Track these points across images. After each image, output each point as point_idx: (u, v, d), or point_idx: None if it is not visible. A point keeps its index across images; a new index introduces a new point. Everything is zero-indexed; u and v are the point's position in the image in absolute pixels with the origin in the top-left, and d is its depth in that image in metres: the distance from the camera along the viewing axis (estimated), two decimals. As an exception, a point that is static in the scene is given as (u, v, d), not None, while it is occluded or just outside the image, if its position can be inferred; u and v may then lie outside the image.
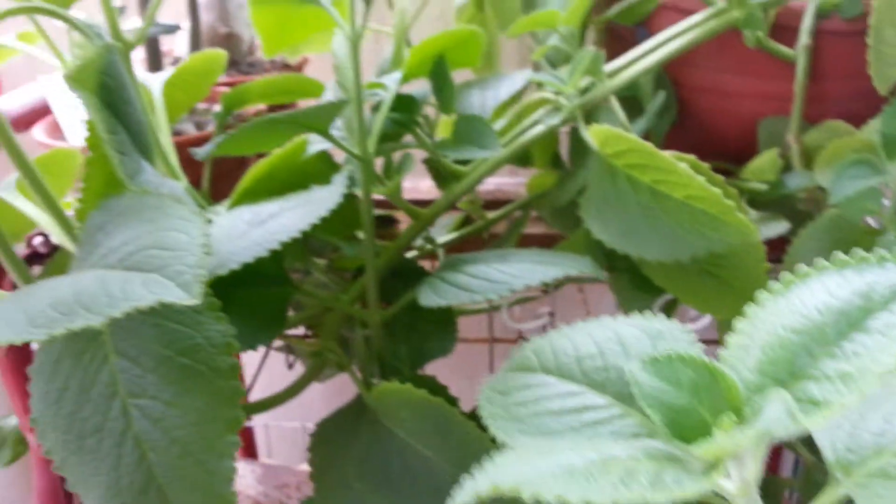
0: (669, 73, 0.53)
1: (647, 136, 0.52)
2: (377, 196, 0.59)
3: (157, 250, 0.25)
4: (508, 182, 0.69)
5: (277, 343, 0.58)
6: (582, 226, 0.41)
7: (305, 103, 0.54)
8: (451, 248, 0.54)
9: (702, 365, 0.21)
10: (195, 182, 0.49)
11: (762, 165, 0.43)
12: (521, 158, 0.53)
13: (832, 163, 0.42)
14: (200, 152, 0.41)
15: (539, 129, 0.43)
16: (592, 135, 0.38)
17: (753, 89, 0.52)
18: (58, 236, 0.36)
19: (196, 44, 0.57)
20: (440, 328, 0.46)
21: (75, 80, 0.27)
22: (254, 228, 0.39)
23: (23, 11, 0.29)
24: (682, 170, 0.34)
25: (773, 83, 0.51)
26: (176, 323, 0.29)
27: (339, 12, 0.37)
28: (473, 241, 0.56)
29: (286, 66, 0.66)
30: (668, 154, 0.36)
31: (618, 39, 0.56)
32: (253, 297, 0.39)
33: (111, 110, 0.30)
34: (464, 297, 0.36)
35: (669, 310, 0.45)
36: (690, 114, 0.55)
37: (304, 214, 0.39)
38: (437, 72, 0.41)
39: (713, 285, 0.40)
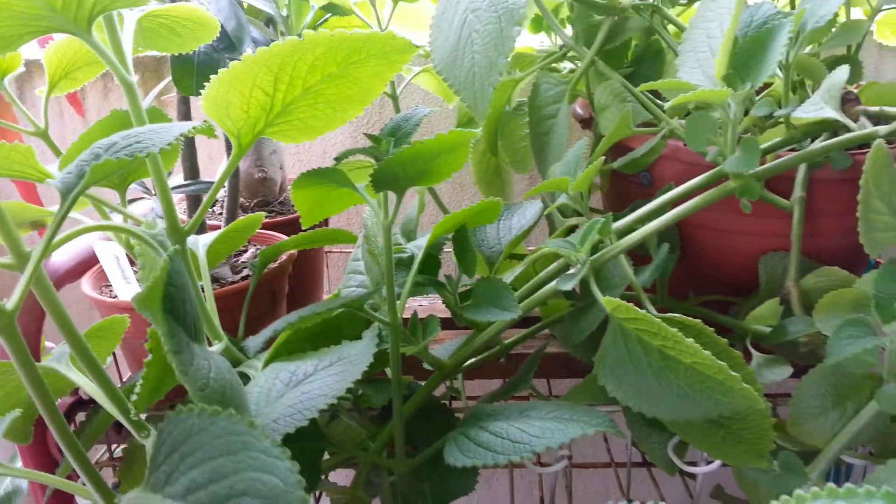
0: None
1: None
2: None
3: (256, 500, 0.26)
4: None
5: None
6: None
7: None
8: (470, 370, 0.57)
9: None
10: (232, 328, 0.53)
11: (765, 312, 0.46)
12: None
13: (831, 311, 0.45)
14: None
15: (551, 288, 0.47)
16: (605, 302, 0.41)
17: (753, 228, 0.55)
18: (106, 405, 0.39)
19: (233, 216, 0.61)
20: (458, 479, 0.48)
21: (144, 303, 0.31)
22: (290, 389, 0.42)
23: (98, 229, 0.33)
24: (688, 343, 0.37)
25: (772, 222, 0.54)
26: None
27: (370, 194, 0.41)
28: (492, 364, 0.59)
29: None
30: (673, 326, 0.39)
31: (622, 179, 0.60)
32: (293, 452, 0.41)
33: (172, 314, 0.33)
34: (488, 459, 0.39)
35: (682, 447, 0.47)
36: (693, 250, 0.58)
37: (339, 378, 0.42)
38: (460, 239, 0.45)
39: (723, 435, 0.42)
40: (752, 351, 0.47)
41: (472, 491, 0.50)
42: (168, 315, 0.33)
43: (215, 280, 0.58)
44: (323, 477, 0.50)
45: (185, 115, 0.55)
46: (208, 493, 0.27)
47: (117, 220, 0.46)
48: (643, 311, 0.39)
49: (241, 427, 0.30)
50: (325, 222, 0.70)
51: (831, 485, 0.24)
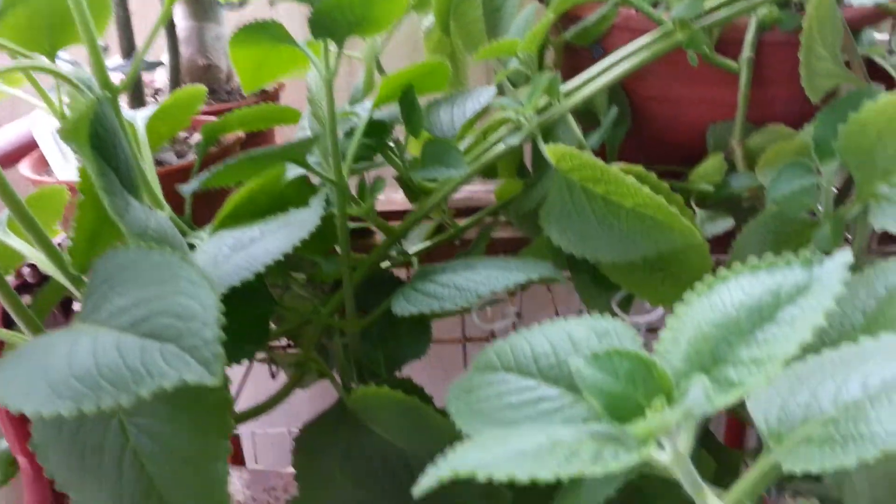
0: (623, 83, 0.57)
1: (603, 145, 0.56)
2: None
3: (172, 318, 0.26)
4: (479, 190, 0.72)
5: (261, 355, 0.61)
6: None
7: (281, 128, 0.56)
8: (425, 255, 0.57)
9: (637, 357, 0.24)
10: (178, 208, 0.52)
11: (708, 169, 0.47)
12: (488, 171, 0.56)
13: (773, 164, 0.45)
14: (186, 189, 0.44)
15: (501, 148, 0.46)
16: (550, 153, 0.41)
17: (701, 97, 0.55)
18: (49, 270, 0.38)
19: (176, 77, 0.60)
20: (414, 332, 0.49)
21: (69, 134, 0.30)
22: (237, 253, 0.42)
23: (20, 69, 0.32)
24: (630, 182, 0.37)
25: (720, 90, 0.54)
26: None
27: (314, 51, 0.40)
28: (446, 249, 0.59)
29: (263, 92, 0.69)
30: (617, 167, 0.39)
31: (575, 55, 0.59)
32: (237, 314, 0.41)
33: (102, 156, 0.32)
34: (434, 306, 0.39)
35: (627, 303, 0.49)
36: (644, 122, 0.58)
37: (284, 238, 0.41)
38: (406, 100, 0.44)
39: (663, 280, 0.43)
40: (696, 209, 0.48)
41: (424, 354, 0.50)
42: (97, 154, 0.32)
43: (159, 164, 0.56)
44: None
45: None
46: (129, 316, 0.27)
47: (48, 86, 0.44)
48: (587, 155, 0.39)
49: (172, 259, 0.30)
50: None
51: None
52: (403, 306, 0.40)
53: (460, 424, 0.29)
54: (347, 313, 0.45)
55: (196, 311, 0.26)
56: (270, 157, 0.39)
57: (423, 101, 0.51)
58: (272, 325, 0.48)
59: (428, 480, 0.21)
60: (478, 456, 0.22)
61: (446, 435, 0.39)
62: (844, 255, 0.21)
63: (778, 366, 0.22)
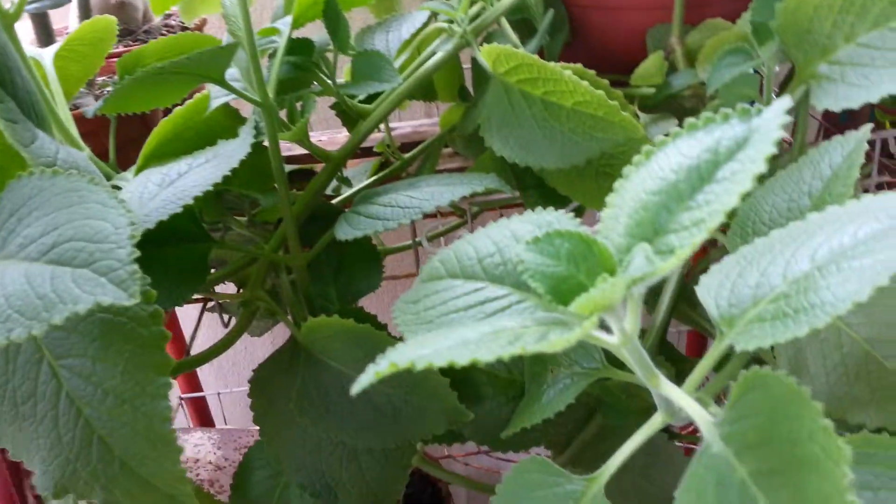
0: (561, -6, 0.55)
1: (541, 56, 0.54)
2: (296, 152, 0.60)
3: (82, 242, 0.24)
4: (425, 123, 0.70)
5: (211, 304, 0.59)
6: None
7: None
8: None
9: (577, 237, 0.23)
10: (102, 154, 0.49)
11: (649, 69, 0.46)
12: (427, 93, 0.54)
13: (712, 58, 0.44)
14: (89, 110, 0.41)
15: (437, 57, 0.44)
16: (485, 55, 0.39)
17: (639, 2, 0.54)
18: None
19: (87, 15, 0.55)
20: (366, 266, 0.48)
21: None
22: (164, 189, 0.39)
23: None
24: (567, 77, 0.36)
25: (658, -6, 0.53)
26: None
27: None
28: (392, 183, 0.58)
29: (184, 30, 0.65)
30: (554, 64, 0.38)
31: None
32: (171, 254, 0.39)
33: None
34: (377, 226, 0.38)
35: (578, 215, 0.48)
36: (583, 31, 0.56)
37: (213, 169, 0.39)
38: (329, 13, 0.41)
39: (609, 185, 0.42)
40: (640, 113, 0.47)
41: (376, 287, 0.49)
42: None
43: (77, 109, 0.53)
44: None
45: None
46: (39, 245, 0.25)
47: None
48: (523, 53, 0.37)
49: (79, 184, 0.28)
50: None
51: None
52: (346, 230, 0.39)
53: (407, 336, 0.28)
54: (291, 247, 0.43)
55: (108, 233, 0.25)
56: (181, 72, 0.37)
57: (356, 24, 0.49)
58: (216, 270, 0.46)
59: (366, 378, 0.20)
60: (418, 350, 0.21)
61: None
62: (784, 101, 0.20)
63: (719, 219, 0.21)
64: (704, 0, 0.53)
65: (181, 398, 0.89)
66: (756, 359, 0.41)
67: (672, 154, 0.22)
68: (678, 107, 0.47)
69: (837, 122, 0.64)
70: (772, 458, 0.19)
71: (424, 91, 0.53)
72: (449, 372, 0.39)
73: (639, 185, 0.23)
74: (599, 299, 0.20)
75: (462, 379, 0.43)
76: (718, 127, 0.22)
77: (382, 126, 0.58)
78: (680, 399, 0.24)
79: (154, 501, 0.29)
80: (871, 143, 0.54)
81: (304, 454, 0.42)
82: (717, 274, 0.28)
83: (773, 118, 0.20)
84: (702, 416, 0.22)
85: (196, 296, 0.49)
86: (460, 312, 0.27)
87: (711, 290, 0.27)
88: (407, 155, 0.58)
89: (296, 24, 0.42)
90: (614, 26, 0.55)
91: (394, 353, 0.20)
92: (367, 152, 0.67)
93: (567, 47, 0.56)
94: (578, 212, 0.49)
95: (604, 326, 0.23)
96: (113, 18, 0.47)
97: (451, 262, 0.30)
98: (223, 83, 0.39)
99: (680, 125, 0.45)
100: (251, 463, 0.45)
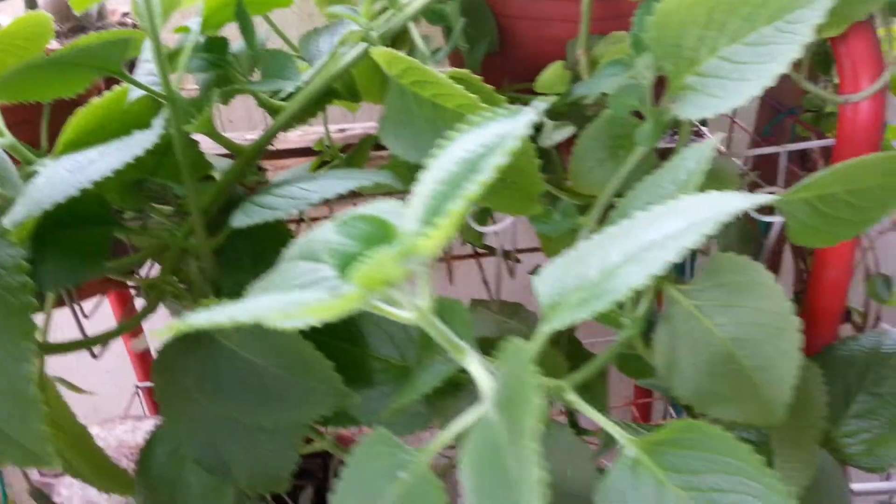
0: (488, 3, 0.57)
1: (460, 63, 0.56)
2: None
3: None
4: (370, 126, 0.73)
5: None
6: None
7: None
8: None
9: (376, 220, 0.25)
10: (34, 141, 0.51)
11: (550, 78, 0.48)
12: (352, 93, 0.56)
13: (612, 69, 0.47)
14: None
15: (346, 59, 0.47)
16: (378, 56, 0.41)
17: (561, 13, 0.56)
18: None
19: (33, 8, 0.58)
20: (279, 253, 0.49)
21: None
22: (74, 175, 0.42)
23: None
24: (445, 80, 0.38)
25: (578, 6, 0.55)
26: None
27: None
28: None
29: (136, 28, 0.67)
30: (442, 71, 0.40)
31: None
32: (74, 237, 0.42)
33: None
34: (267, 215, 0.40)
35: (484, 216, 0.50)
36: (512, 41, 0.59)
37: (118, 156, 0.41)
38: (239, 14, 0.44)
39: (505, 190, 0.44)
40: (545, 120, 0.49)
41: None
42: None
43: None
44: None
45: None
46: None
47: None
48: (409, 58, 0.39)
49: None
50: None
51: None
52: (240, 219, 0.41)
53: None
54: (197, 234, 0.45)
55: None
56: (75, 61, 0.39)
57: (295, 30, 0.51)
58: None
59: (183, 329, 0.22)
60: (234, 310, 0.23)
61: (288, 341, 0.40)
62: (539, 105, 0.22)
63: (463, 206, 0.23)
64: (619, 12, 0.55)
65: (137, 386, 0.92)
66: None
67: (458, 148, 0.24)
68: (580, 115, 0.49)
69: (762, 136, 0.66)
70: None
71: (350, 92, 0.55)
72: (342, 357, 0.42)
73: (436, 172, 0.25)
74: (372, 272, 0.22)
75: (356, 364, 0.45)
76: (497, 123, 0.24)
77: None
78: (477, 371, 0.26)
79: (21, 456, 0.31)
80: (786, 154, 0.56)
81: (201, 431, 0.44)
82: (553, 268, 0.30)
83: (524, 119, 0.22)
84: (485, 382, 0.24)
85: (115, 278, 0.52)
86: (298, 287, 0.29)
87: (546, 283, 0.29)
88: (346, 154, 0.61)
89: (208, 25, 0.44)
90: (540, 36, 0.58)
91: (213, 314, 0.22)
92: (309, 151, 0.70)
93: (496, 56, 0.58)
94: (483, 214, 0.51)
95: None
96: (48, 15, 0.50)
97: (304, 245, 0.32)
98: (121, 74, 0.41)
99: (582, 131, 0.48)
100: (155, 440, 0.47)
